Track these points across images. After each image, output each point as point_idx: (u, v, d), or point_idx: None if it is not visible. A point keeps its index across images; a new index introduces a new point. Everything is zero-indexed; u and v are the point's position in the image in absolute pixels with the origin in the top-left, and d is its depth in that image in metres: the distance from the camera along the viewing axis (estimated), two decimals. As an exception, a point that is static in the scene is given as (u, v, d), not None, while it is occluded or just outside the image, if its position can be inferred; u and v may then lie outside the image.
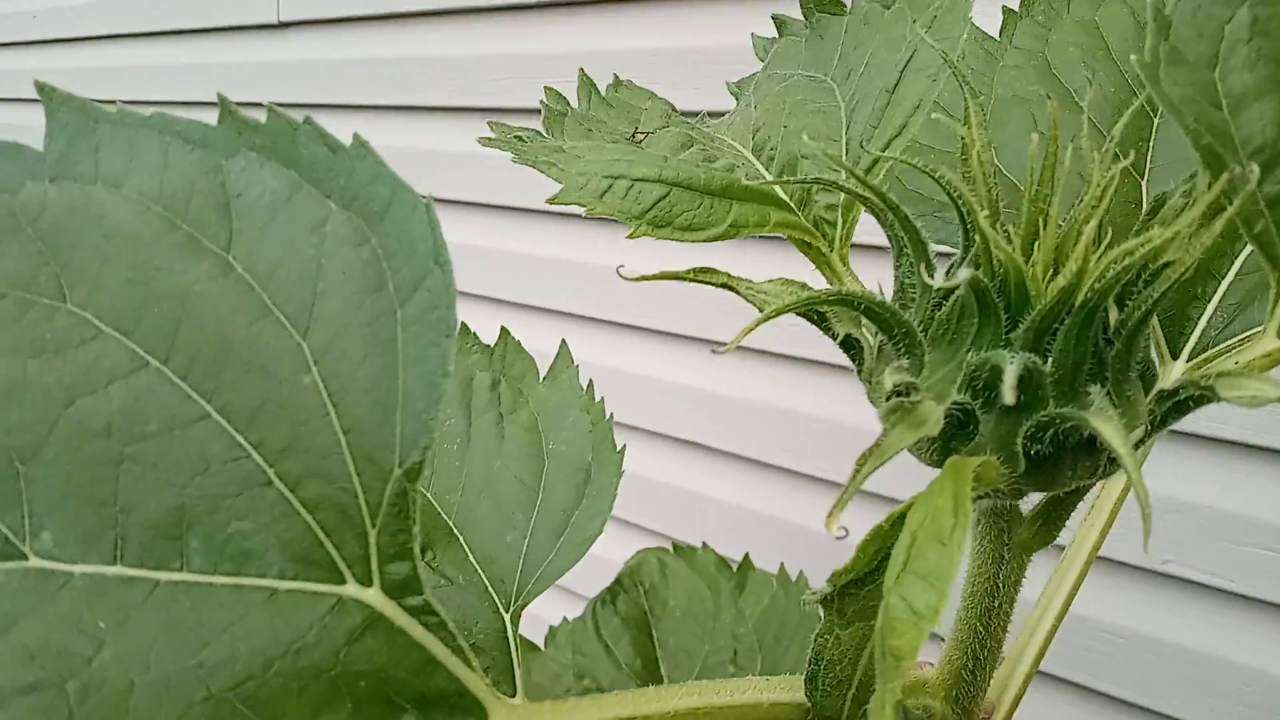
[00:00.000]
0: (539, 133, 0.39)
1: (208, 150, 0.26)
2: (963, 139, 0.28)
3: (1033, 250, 0.28)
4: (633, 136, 0.40)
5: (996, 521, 0.32)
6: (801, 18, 0.43)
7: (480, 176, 1.21)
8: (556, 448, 0.62)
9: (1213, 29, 0.27)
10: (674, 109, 0.44)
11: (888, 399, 0.26)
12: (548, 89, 0.42)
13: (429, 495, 0.61)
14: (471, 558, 0.61)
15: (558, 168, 0.34)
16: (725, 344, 0.25)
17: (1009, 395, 0.23)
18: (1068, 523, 0.33)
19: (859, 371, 0.30)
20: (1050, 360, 0.26)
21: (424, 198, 0.25)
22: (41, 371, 0.23)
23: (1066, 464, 0.27)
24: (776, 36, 0.44)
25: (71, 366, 0.24)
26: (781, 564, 0.72)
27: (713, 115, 0.48)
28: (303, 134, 0.26)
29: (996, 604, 0.33)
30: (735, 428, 1.02)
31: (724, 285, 0.28)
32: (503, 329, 0.64)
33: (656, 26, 1.03)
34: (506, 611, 0.59)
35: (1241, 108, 0.27)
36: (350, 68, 1.34)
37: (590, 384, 0.64)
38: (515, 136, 0.38)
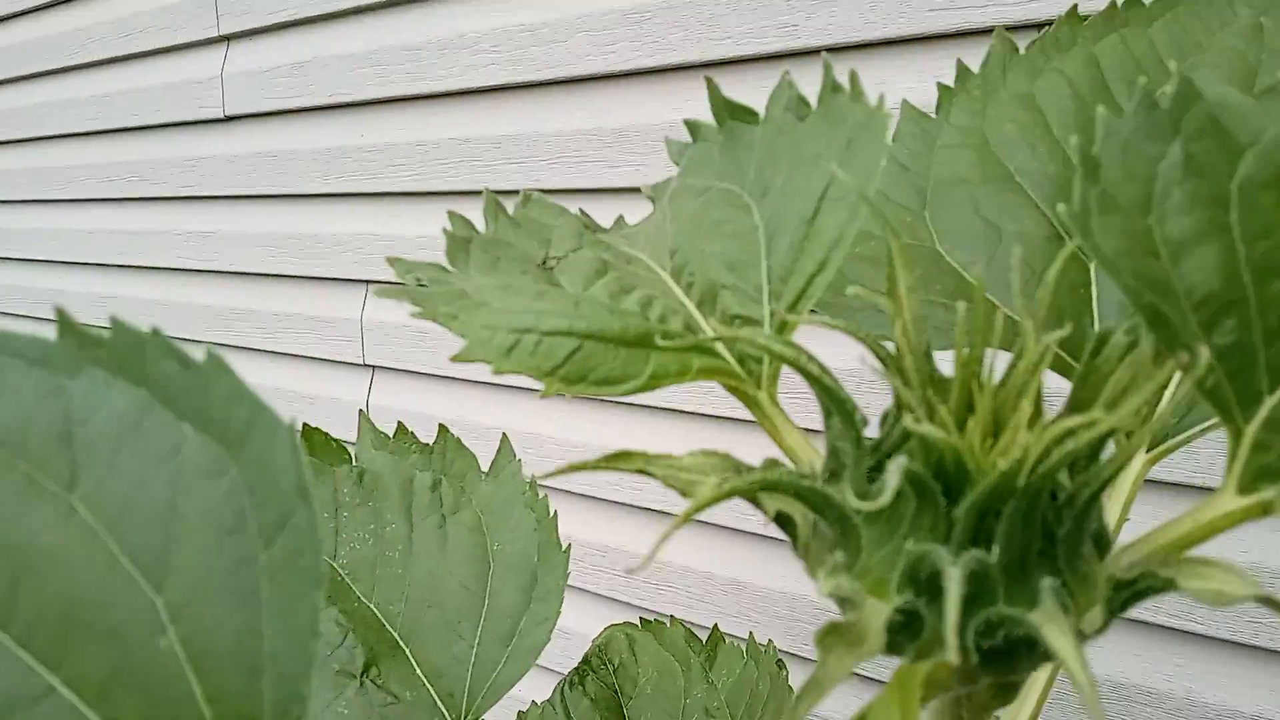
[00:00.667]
0: (443, 268, 0.37)
1: (48, 370, 0.23)
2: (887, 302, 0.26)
3: (968, 416, 0.25)
4: (544, 263, 0.38)
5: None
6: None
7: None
8: (501, 549, 0.60)
9: (1144, 169, 0.25)
10: (587, 223, 0.42)
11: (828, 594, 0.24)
12: (451, 213, 0.39)
13: (373, 607, 0.59)
14: (419, 671, 0.58)
15: (459, 320, 0.32)
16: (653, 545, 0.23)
17: (952, 612, 0.21)
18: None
19: (794, 545, 0.28)
20: (996, 546, 0.24)
21: (286, 420, 0.22)
22: None
23: (1022, 654, 0.25)
24: (690, 141, 0.42)
25: (-107, 644, 0.21)
26: (750, 633, 0.71)
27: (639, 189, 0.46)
28: (151, 347, 0.23)
29: (955, 765, 0.31)
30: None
31: (640, 471, 0.26)
32: (441, 427, 0.61)
33: (602, 104, 1.02)
34: (456, 729, 0.56)
35: (1181, 256, 0.25)
36: (298, 158, 1.33)
37: (533, 480, 0.61)
38: (416, 278, 0.35)
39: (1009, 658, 0.25)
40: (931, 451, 0.24)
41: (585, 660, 0.74)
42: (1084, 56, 0.48)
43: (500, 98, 1.11)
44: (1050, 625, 0.22)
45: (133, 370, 0.23)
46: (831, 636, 0.22)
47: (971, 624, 0.24)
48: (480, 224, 0.41)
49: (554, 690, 0.72)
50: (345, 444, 0.61)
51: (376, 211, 1.28)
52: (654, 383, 0.31)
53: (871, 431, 0.27)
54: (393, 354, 1.28)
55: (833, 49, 0.83)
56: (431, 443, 0.61)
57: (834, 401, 0.26)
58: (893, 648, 0.25)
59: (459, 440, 0.61)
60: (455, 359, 0.31)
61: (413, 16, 1.18)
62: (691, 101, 0.94)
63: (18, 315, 1.89)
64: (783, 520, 0.27)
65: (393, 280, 0.33)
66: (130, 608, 0.21)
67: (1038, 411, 0.25)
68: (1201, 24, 0.47)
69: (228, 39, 1.41)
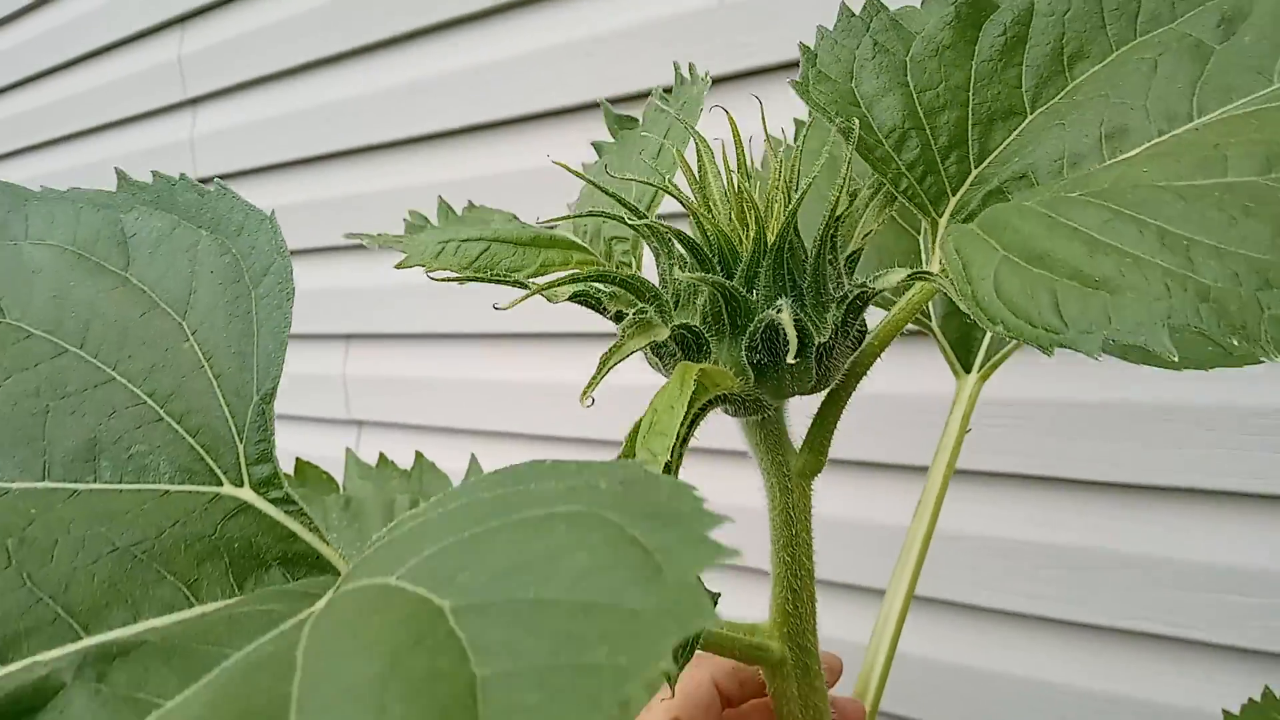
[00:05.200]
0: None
1: (110, 209, 0.35)
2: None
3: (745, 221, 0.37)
4: (476, 233, 0.50)
5: (774, 456, 0.40)
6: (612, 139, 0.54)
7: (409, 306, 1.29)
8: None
9: (845, 55, 0.38)
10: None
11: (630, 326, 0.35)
12: (411, 211, 0.52)
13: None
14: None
15: (405, 243, 0.44)
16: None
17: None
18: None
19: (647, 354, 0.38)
20: (755, 291, 0.35)
21: (268, 214, 0.34)
22: (-14, 362, 0.31)
23: (785, 373, 0.35)
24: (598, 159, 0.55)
25: (9, 358, 0.32)
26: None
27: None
28: (180, 187, 0.35)
29: (794, 533, 0.40)
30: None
31: (516, 283, 0.37)
32: (417, 454, 0.71)
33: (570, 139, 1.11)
34: None
35: (874, 104, 0.37)
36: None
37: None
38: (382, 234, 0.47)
39: (777, 375, 0.35)
40: (711, 244, 0.36)
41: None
42: None
43: (472, 138, 1.19)
44: (779, 315, 0.33)
45: (166, 202, 0.35)
46: (635, 326, 0.33)
47: (742, 345, 0.35)
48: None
49: None
50: (334, 477, 0.71)
51: (355, 264, 1.34)
52: (543, 270, 0.42)
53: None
54: (378, 407, 1.33)
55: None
56: (409, 468, 0.71)
57: (660, 241, 0.38)
58: (689, 355, 0.35)
59: (433, 464, 0.71)
60: (399, 266, 0.42)
61: (380, 64, 1.26)
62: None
63: None
64: (619, 320, 0.38)
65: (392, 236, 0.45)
66: (164, 328, 0.32)
67: (787, 201, 0.37)
68: None
69: (195, 102, 1.50)
